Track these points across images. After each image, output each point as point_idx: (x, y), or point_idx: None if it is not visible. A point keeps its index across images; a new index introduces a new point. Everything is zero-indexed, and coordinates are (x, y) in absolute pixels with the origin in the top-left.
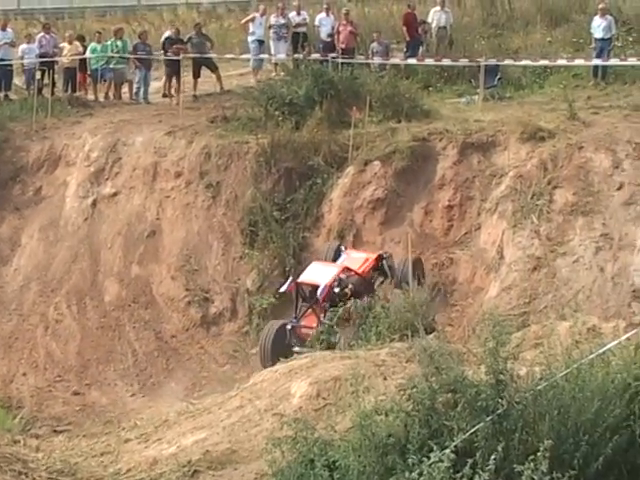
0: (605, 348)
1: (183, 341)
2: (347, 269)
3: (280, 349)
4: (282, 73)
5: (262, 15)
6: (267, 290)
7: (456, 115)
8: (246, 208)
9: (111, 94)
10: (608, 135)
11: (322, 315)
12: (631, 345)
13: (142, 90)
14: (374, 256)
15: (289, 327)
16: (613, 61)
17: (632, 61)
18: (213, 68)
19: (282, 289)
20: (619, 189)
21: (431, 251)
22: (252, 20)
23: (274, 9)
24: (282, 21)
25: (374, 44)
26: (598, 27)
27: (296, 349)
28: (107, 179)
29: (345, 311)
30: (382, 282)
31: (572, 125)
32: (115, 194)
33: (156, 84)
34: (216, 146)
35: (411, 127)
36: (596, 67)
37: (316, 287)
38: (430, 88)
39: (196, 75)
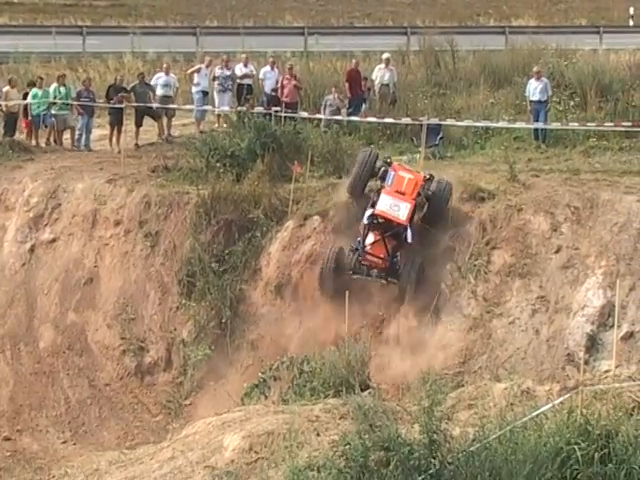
0: (539, 411)
1: (117, 390)
2: (413, 199)
3: (339, 273)
4: (225, 125)
5: (207, 66)
6: (203, 341)
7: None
8: (184, 258)
9: (52, 140)
10: (548, 198)
11: (390, 246)
12: (564, 409)
13: (84, 137)
14: (421, 178)
15: (352, 249)
16: (554, 125)
17: (573, 125)
18: (156, 117)
19: (365, 220)
20: (557, 252)
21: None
22: (197, 71)
23: (219, 61)
24: (227, 73)
25: (330, 97)
26: (535, 90)
27: (354, 276)
28: (46, 225)
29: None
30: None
31: (512, 187)
32: (54, 240)
33: (98, 131)
34: (156, 195)
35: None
36: (537, 130)
37: (390, 220)
38: (372, 145)
39: (139, 124)
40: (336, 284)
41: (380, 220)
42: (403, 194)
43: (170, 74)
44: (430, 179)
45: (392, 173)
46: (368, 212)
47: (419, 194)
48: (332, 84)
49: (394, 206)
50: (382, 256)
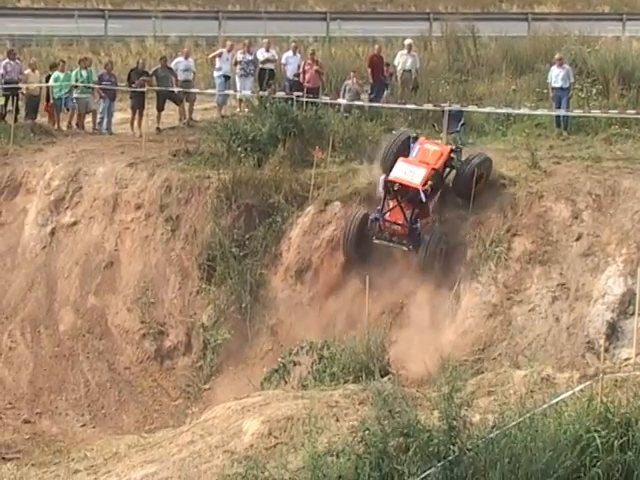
0: (558, 399)
1: (136, 373)
2: (432, 168)
3: (362, 238)
4: (246, 109)
5: (229, 51)
6: (223, 326)
7: None
8: (205, 243)
9: (74, 123)
10: (569, 185)
11: (408, 212)
12: (584, 397)
13: (105, 121)
14: (447, 150)
15: (373, 218)
16: (576, 112)
17: (595, 112)
18: (178, 101)
19: (380, 187)
20: (577, 240)
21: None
22: (219, 55)
23: (241, 45)
24: (249, 57)
25: (349, 82)
26: (556, 77)
27: (376, 241)
28: (67, 208)
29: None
30: (449, 173)
31: (533, 174)
32: (74, 223)
33: (120, 115)
34: (177, 180)
35: (373, 169)
36: (558, 117)
37: (405, 185)
38: (393, 131)
39: (160, 108)
40: (359, 250)
41: (396, 187)
42: (427, 164)
43: (189, 59)
44: (458, 150)
45: (417, 146)
46: (382, 177)
47: (446, 165)
48: (354, 69)
49: (409, 172)
50: (400, 222)
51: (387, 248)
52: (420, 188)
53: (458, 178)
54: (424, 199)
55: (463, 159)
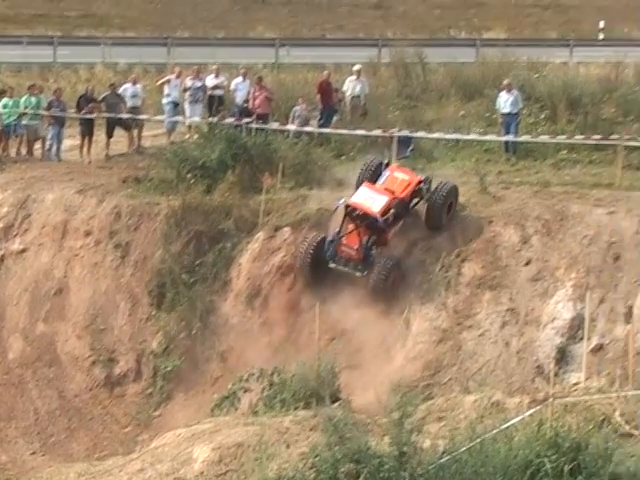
0: (509, 424)
1: (86, 401)
2: (395, 197)
3: (317, 262)
4: (196, 136)
5: (177, 77)
6: (173, 352)
7: None
8: (155, 269)
9: (23, 150)
10: (518, 210)
11: (365, 238)
12: (534, 422)
13: (55, 147)
14: (416, 180)
15: (330, 240)
16: (525, 137)
17: (543, 138)
18: (127, 128)
19: (336, 207)
20: (527, 264)
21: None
22: (167, 82)
23: (190, 72)
24: (198, 84)
25: (297, 108)
26: (505, 102)
27: (332, 265)
28: (16, 235)
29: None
30: (417, 203)
31: (483, 199)
32: (23, 250)
33: (69, 142)
34: (127, 206)
35: (322, 195)
36: (507, 142)
37: (364, 211)
38: (343, 157)
39: (109, 135)
40: (314, 272)
41: (356, 212)
42: (392, 192)
43: (137, 85)
44: (427, 181)
45: (387, 173)
46: (341, 201)
47: (413, 195)
48: (302, 95)
49: (369, 198)
50: (356, 247)
51: (339, 273)
52: (378, 216)
53: (430, 209)
54: (381, 227)
55: (432, 189)
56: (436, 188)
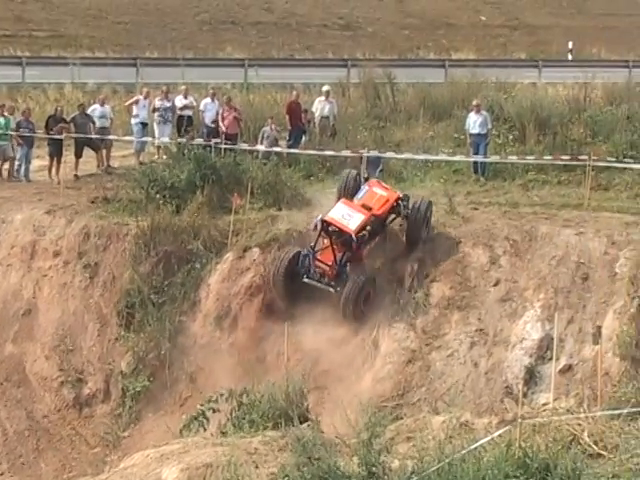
0: (477, 444)
1: (55, 421)
2: (372, 214)
3: (291, 275)
4: (165, 156)
5: (145, 98)
6: (141, 373)
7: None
8: (123, 290)
9: None
10: (486, 231)
11: (339, 255)
12: (503, 442)
13: (23, 168)
14: (394, 197)
15: (304, 254)
16: (493, 158)
17: (512, 159)
18: (96, 148)
19: (312, 226)
20: (495, 285)
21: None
22: (136, 102)
23: (159, 92)
24: (167, 104)
25: (266, 128)
26: (474, 123)
27: (306, 279)
28: None
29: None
30: (393, 219)
31: (451, 219)
32: None
33: (38, 162)
34: (96, 227)
35: (291, 215)
36: (476, 163)
37: (340, 228)
38: (312, 177)
39: (78, 155)
40: (287, 287)
41: (331, 228)
42: (369, 209)
43: (105, 105)
44: (405, 198)
45: (366, 188)
46: (318, 217)
47: (391, 212)
48: (271, 116)
49: (347, 215)
50: (329, 263)
51: (310, 290)
52: (353, 234)
53: (410, 226)
54: (356, 245)
55: (409, 206)
56: (414, 205)
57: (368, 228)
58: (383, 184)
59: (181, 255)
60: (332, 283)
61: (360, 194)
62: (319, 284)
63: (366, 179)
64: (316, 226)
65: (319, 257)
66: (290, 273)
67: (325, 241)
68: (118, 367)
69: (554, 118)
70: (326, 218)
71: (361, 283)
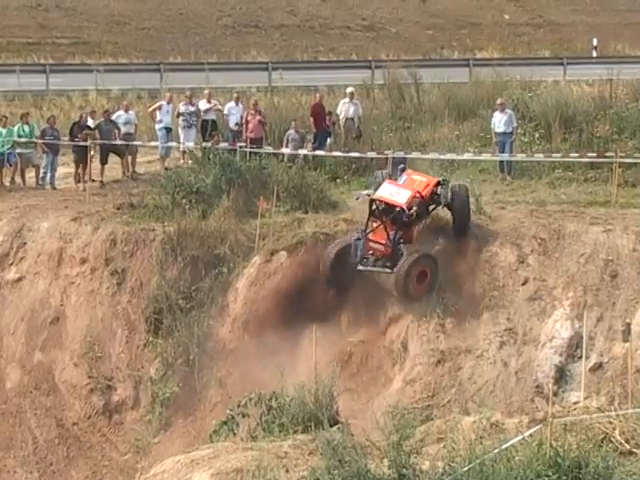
0: (508, 444)
1: (85, 429)
2: (417, 191)
3: (343, 265)
4: (190, 161)
5: (168, 103)
6: (171, 379)
7: (363, 207)
8: (151, 296)
9: (17, 178)
10: (514, 230)
11: (392, 232)
12: (534, 442)
13: (49, 175)
14: (434, 181)
15: (357, 238)
16: (520, 156)
17: (538, 157)
18: (121, 154)
19: (356, 199)
20: (524, 284)
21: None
22: (159, 108)
23: (183, 97)
24: (191, 109)
25: (291, 131)
26: (499, 122)
27: (360, 267)
28: (11, 264)
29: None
30: (434, 209)
31: (478, 219)
32: (19, 279)
33: (63, 169)
34: (122, 233)
35: (318, 218)
36: (502, 162)
37: (390, 205)
38: (338, 180)
39: (103, 162)
40: (340, 278)
41: (380, 206)
42: (413, 188)
43: (130, 111)
44: (445, 182)
45: (405, 177)
46: (363, 193)
47: (432, 196)
48: (294, 119)
49: (395, 192)
50: (383, 242)
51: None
52: (404, 207)
53: (455, 214)
54: (407, 222)
55: (451, 193)
56: (453, 192)
57: (415, 208)
58: (420, 172)
59: (208, 260)
60: (387, 264)
61: (400, 181)
62: (375, 268)
63: (403, 170)
64: (357, 198)
65: (372, 237)
66: (340, 264)
67: (375, 222)
68: (147, 373)
69: (580, 115)
70: (375, 196)
71: (414, 258)
